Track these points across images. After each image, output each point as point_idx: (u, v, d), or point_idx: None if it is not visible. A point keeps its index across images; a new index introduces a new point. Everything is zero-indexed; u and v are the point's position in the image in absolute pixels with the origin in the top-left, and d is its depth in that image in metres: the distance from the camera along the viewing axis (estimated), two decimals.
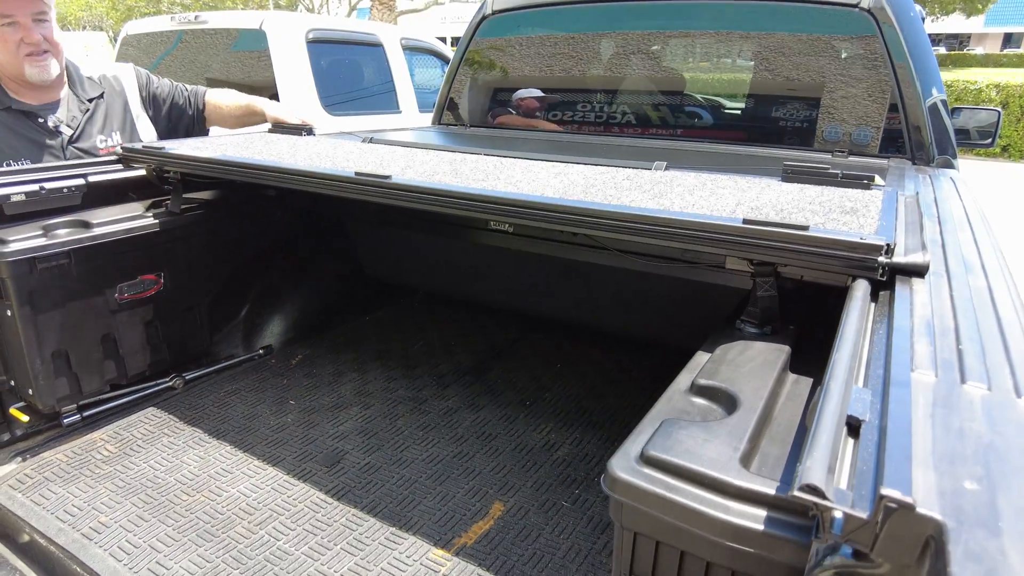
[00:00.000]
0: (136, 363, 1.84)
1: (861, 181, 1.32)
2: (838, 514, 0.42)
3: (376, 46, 4.74)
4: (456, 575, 1.25)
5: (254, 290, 2.20)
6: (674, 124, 2.47)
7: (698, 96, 2.50)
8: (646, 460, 0.67)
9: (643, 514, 0.65)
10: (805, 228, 0.90)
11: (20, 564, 1.41)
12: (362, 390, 1.97)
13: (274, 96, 3.96)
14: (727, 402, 0.77)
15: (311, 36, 4.16)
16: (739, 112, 2.44)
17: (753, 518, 0.58)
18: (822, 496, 0.42)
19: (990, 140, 3.73)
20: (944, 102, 2.33)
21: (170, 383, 1.91)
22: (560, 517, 1.42)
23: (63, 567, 1.33)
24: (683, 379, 0.86)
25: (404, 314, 2.57)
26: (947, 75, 12.74)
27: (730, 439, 0.68)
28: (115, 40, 4.62)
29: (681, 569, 0.67)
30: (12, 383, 1.66)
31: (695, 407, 0.79)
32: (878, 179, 1.46)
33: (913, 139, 2.13)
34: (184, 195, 1.88)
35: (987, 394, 0.55)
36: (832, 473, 0.46)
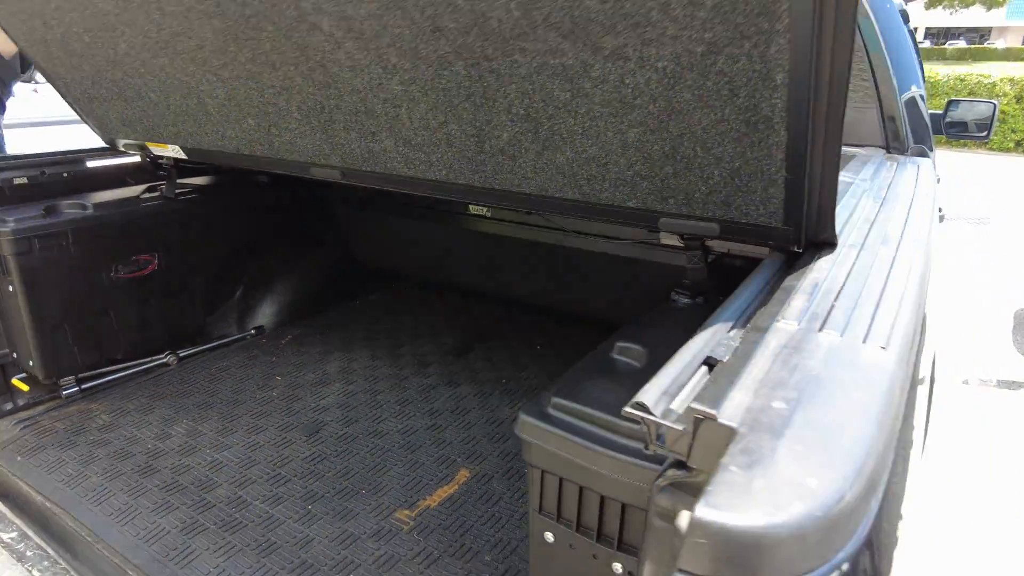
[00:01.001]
0: (132, 339, 1.94)
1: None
2: (664, 429, 0.49)
3: None
4: (418, 533, 1.33)
5: (247, 273, 2.29)
6: None
7: None
8: (552, 406, 0.74)
9: (546, 452, 0.72)
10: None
11: (19, 521, 1.51)
12: (346, 368, 2.06)
13: None
14: (639, 358, 0.84)
15: None
16: None
17: (629, 451, 0.65)
18: (648, 412, 0.49)
19: (986, 133, 3.74)
20: (923, 96, 2.37)
21: (164, 359, 2.01)
22: (522, 483, 1.49)
23: (58, 523, 1.42)
24: (611, 342, 0.93)
25: (394, 298, 2.65)
26: (964, 68, 12.60)
27: (632, 387, 0.75)
28: None
29: (581, 504, 0.74)
30: (14, 355, 1.77)
31: (614, 363, 0.86)
32: (843, 175, 1.51)
33: (888, 129, 2.17)
34: (179, 180, 1.97)
35: (837, 340, 0.62)
36: (671, 397, 0.53)
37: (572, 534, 0.74)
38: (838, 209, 1.13)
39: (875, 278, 0.80)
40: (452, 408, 1.82)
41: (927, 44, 47.08)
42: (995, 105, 3.71)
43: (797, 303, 0.70)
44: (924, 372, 1.52)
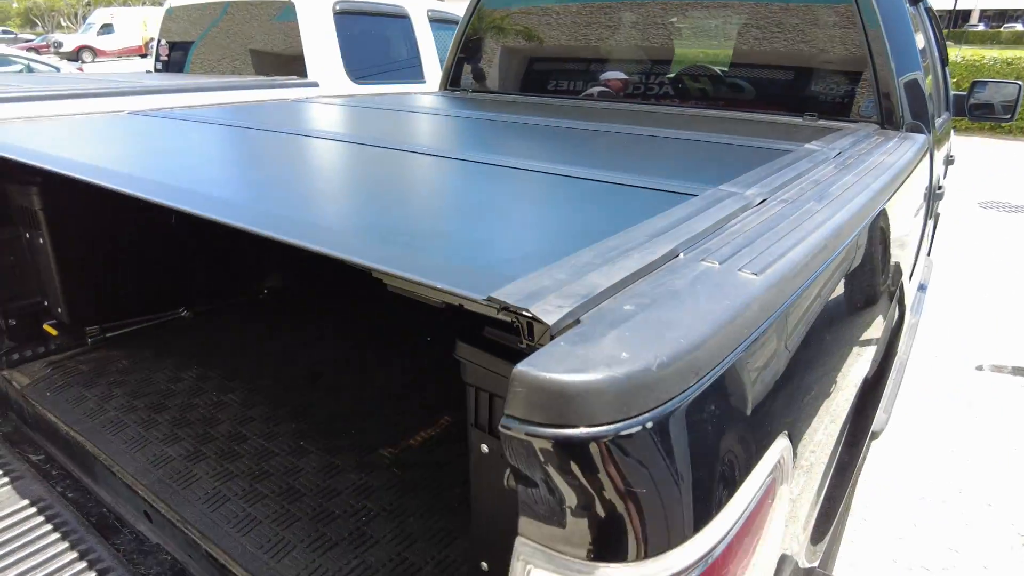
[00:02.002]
0: (151, 294, 2.10)
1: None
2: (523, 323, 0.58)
3: (403, 17, 4.92)
4: (397, 467, 1.45)
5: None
6: (659, 91, 2.57)
7: (684, 63, 2.59)
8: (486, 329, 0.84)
9: (474, 370, 0.82)
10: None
11: (48, 446, 1.68)
12: (343, 326, 2.19)
13: (302, 66, 4.19)
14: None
15: (338, 8, 4.37)
16: (722, 79, 2.52)
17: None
18: (502, 305, 0.58)
19: (1011, 114, 3.68)
20: (922, 76, 2.37)
21: (181, 313, 2.16)
22: None
23: (80, 448, 1.58)
24: None
25: None
26: (1013, 53, 12.13)
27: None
28: None
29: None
30: (45, 303, 1.93)
31: None
32: (812, 144, 1.56)
33: (883, 105, 2.19)
34: None
35: (715, 267, 0.70)
36: (544, 295, 0.61)
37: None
38: (784, 172, 1.20)
39: (786, 226, 0.87)
40: (437, 364, 1.94)
41: (981, 27, 45.09)
42: (1021, 86, 3.64)
43: (696, 239, 0.78)
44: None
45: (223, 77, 4.07)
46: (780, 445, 0.67)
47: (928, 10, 3.38)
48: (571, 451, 0.47)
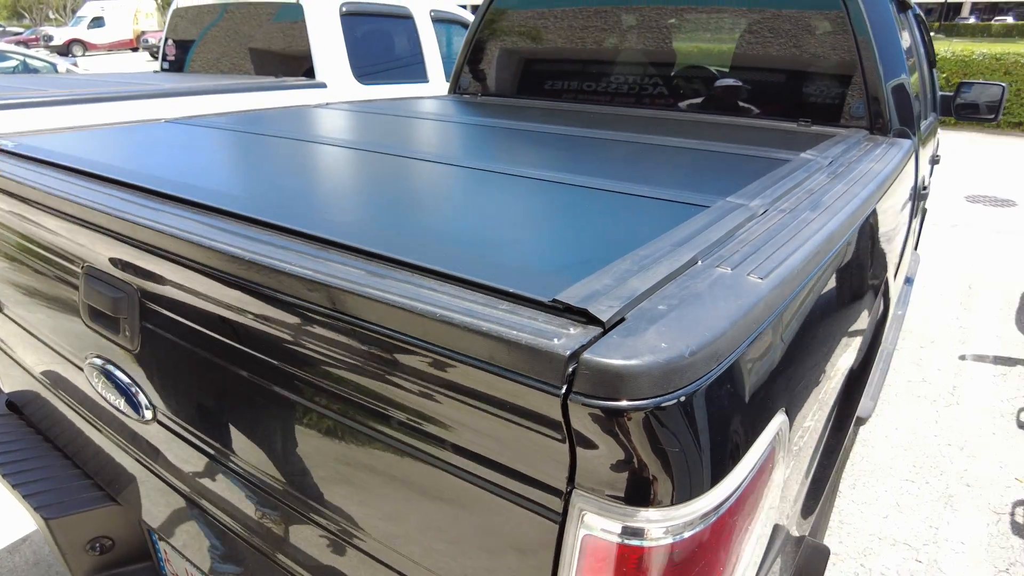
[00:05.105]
0: None
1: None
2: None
3: (407, 18, 5.03)
4: None
5: None
6: (665, 97, 2.71)
7: (688, 70, 2.73)
8: None
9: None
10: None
11: None
12: None
13: (309, 66, 4.30)
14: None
15: (344, 9, 4.47)
16: (717, 85, 2.66)
17: None
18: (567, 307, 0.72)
19: (995, 115, 3.84)
20: (909, 81, 2.51)
21: None
22: None
23: None
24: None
25: None
26: (1002, 47, 12.31)
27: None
28: (162, 7, 5.03)
29: None
30: None
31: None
32: (807, 153, 1.70)
33: (872, 110, 2.33)
34: None
35: (728, 272, 0.84)
36: (604, 292, 0.75)
37: None
38: (782, 183, 1.34)
39: (786, 235, 1.01)
40: None
41: (972, 20, 45.36)
42: (1004, 88, 3.80)
43: (712, 247, 0.92)
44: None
45: (236, 78, 4.17)
46: (779, 420, 0.82)
47: (916, 16, 3.53)
48: (622, 418, 0.62)
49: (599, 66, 2.82)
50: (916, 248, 4.62)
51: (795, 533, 1.27)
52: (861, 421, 2.15)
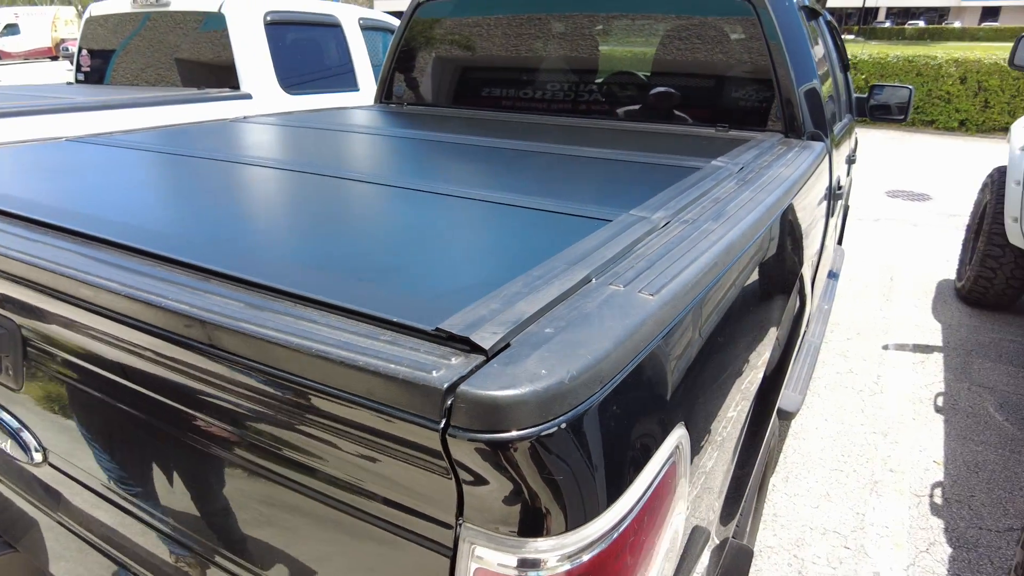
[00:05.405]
0: None
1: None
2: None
3: (334, 26, 4.94)
4: None
5: None
6: (584, 105, 2.74)
7: (606, 78, 2.77)
8: None
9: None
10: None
11: None
12: None
13: (234, 77, 4.17)
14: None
15: (269, 18, 4.36)
16: (642, 92, 2.71)
17: None
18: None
19: (904, 115, 4.04)
20: (820, 85, 2.61)
21: None
22: None
23: None
24: None
25: None
26: (914, 50, 13.02)
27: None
28: (82, 14, 4.79)
29: None
30: None
31: None
32: (718, 160, 1.74)
33: (786, 114, 2.41)
34: None
35: (620, 290, 0.84)
36: (485, 320, 0.74)
37: None
38: (689, 192, 1.36)
39: (684, 247, 1.02)
40: None
41: (888, 24, 47.84)
42: (911, 90, 4.00)
43: (607, 264, 0.92)
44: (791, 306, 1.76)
45: (155, 91, 4.01)
46: (677, 433, 0.82)
47: (828, 23, 3.68)
48: (504, 450, 0.60)
49: (522, 74, 2.83)
50: (840, 243, 4.81)
51: (717, 538, 1.29)
52: (790, 415, 2.20)
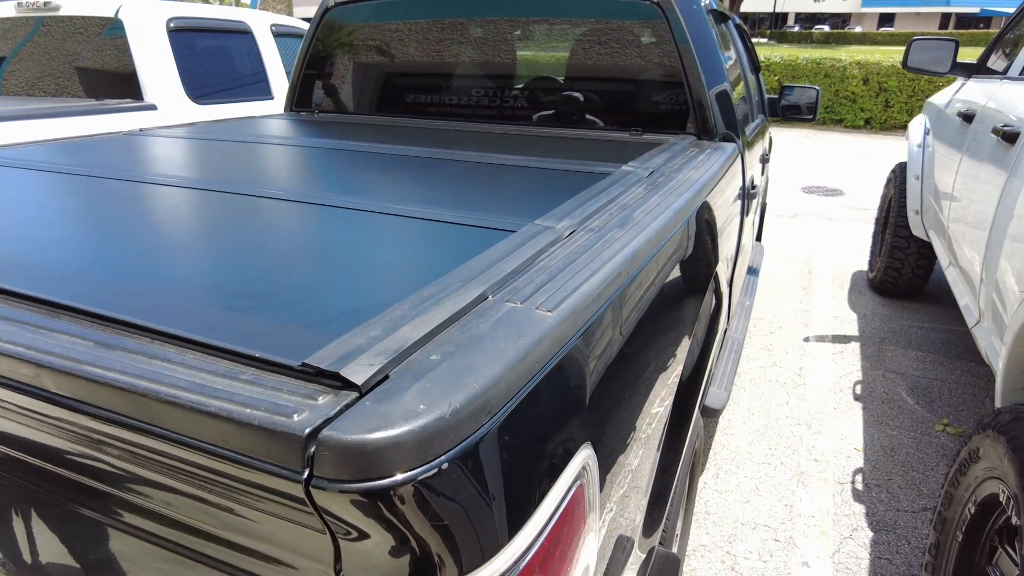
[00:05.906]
0: None
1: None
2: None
3: (245, 33, 4.74)
4: None
5: None
6: (494, 110, 2.70)
7: (519, 83, 2.74)
8: None
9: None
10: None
11: None
12: None
13: (137, 86, 3.93)
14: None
15: (172, 25, 4.13)
16: (551, 98, 2.69)
17: None
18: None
19: (813, 115, 4.19)
20: (731, 87, 2.66)
21: None
22: None
23: None
24: None
25: None
26: (821, 53, 13.72)
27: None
28: None
29: None
30: None
31: None
32: (628, 165, 1.72)
33: (698, 116, 2.44)
34: None
35: (517, 307, 0.79)
36: (363, 350, 0.68)
37: None
38: (597, 199, 1.34)
39: (587, 258, 0.98)
40: None
41: (797, 28, 50.44)
42: (818, 90, 4.15)
43: (506, 279, 0.87)
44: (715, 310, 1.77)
45: (50, 101, 3.72)
46: (584, 454, 0.78)
47: (737, 26, 3.79)
48: (380, 499, 0.54)
49: (434, 79, 2.77)
50: (759, 239, 4.97)
51: (641, 549, 1.26)
52: (716, 412, 2.22)
